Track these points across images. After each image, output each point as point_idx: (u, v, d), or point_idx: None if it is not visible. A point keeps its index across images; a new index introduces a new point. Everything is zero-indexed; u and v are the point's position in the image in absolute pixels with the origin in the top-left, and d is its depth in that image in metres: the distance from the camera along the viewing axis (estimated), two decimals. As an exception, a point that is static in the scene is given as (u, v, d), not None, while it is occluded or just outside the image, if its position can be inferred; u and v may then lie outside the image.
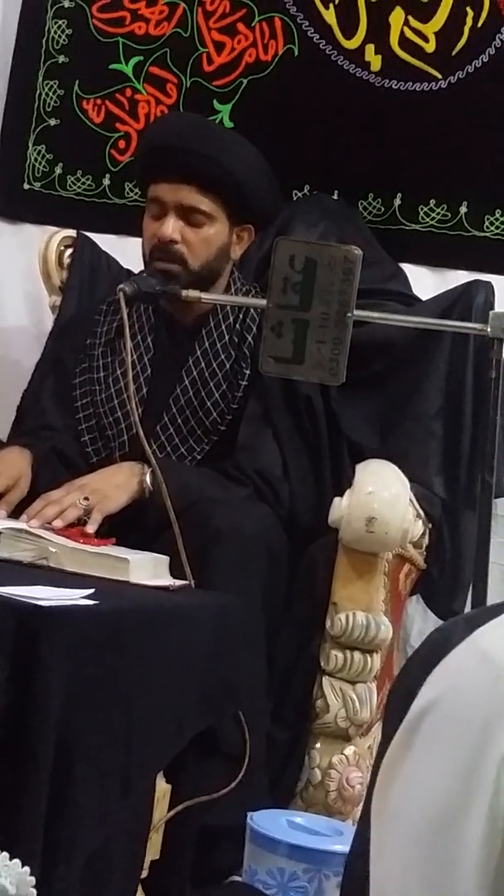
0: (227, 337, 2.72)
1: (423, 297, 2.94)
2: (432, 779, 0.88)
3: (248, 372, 2.68)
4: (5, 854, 1.46)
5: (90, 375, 2.78)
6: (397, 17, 3.09)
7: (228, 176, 2.67)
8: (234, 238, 2.74)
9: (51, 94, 3.43)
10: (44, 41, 3.44)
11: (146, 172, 2.79)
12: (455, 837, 0.85)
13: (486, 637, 0.91)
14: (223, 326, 2.72)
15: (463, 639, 0.93)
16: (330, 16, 3.16)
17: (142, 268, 2.75)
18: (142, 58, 3.34)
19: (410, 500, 2.52)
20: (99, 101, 3.38)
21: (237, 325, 2.73)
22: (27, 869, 1.45)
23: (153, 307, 2.75)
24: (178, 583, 2.26)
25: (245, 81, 3.24)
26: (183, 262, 2.66)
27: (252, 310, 2.71)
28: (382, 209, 3.10)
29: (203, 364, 2.70)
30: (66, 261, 3.10)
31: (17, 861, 1.45)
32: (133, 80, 3.35)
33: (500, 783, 0.84)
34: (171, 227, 2.67)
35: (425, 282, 3.03)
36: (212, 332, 2.72)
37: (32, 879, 1.46)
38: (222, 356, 2.70)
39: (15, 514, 2.51)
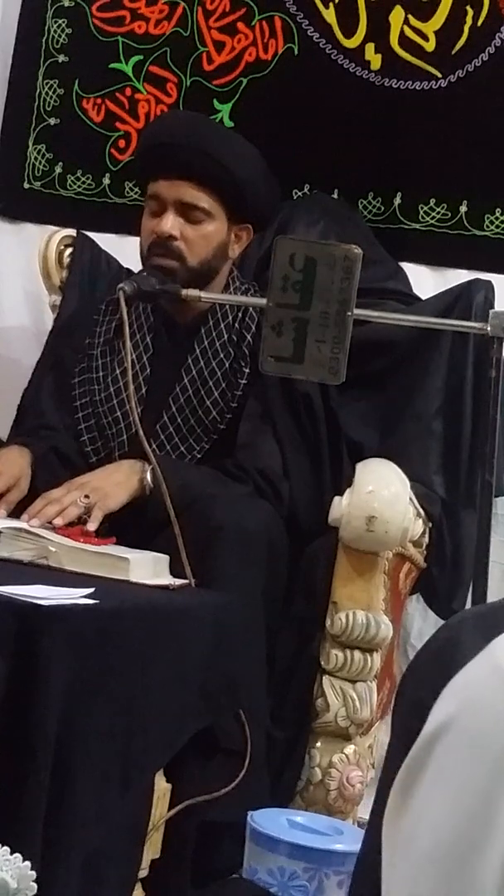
0: (225, 336, 2.71)
1: (423, 296, 2.94)
2: (447, 805, 0.85)
3: (247, 371, 2.68)
4: (6, 848, 1.46)
5: (89, 375, 2.78)
6: (397, 16, 3.09)
7: (227, 174, 2.67)
8: (233, 237, 2.74)
9: (51, 93, 3.43)
10: (44, 40, 3.44)
11: (145, 170, 2.79)
12: (472, 867, 0.82)
13: (502, 651, 0.89)
14: (222, 325, 2.72)
15: (473, 642, 0.91)
16: (330, 15, 3.16)
17: (142, 267, 2.75)
18: (142, 57, 3.34)
19: (410, 498, 2.52)
20: (99, 101, 3.38)
21: (236, 325, 2.73)
22: (28, 864, 1.46)
23: (152, 307, 2.75)
24: (179, 582, 2.26)
25: (245, 81, 3.24)
26: (181, 258, 2.66)
27: (251, 309, 2.71)
28: (382, 208, 3.10)
29: (202, 363, 2.70)
30: (66, 260, 3.10)
31: (17, 855, 1.46)
32: (133, 79, 3.35)
33: None
34: (170, 223, 2.67)
35: (425, 281, 3.03)
36: (210, 332, 2.72)
37: (33, 874, 1.46)
38: (221, 355, 2.70)
39: (15, 513, 2.51)
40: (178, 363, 2.71)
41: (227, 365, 2.70)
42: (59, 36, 3.43)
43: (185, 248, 2.67)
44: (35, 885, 1.46)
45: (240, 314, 2.73)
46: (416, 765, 0.89)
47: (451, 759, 0.86)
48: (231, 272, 2.78)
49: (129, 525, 2.45)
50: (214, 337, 2.71)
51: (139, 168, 2.92)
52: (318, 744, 2.49)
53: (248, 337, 2.70)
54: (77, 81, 3.41)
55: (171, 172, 2.68)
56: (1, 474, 2.57)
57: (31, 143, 3.45)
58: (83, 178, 3.39)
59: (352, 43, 3.14)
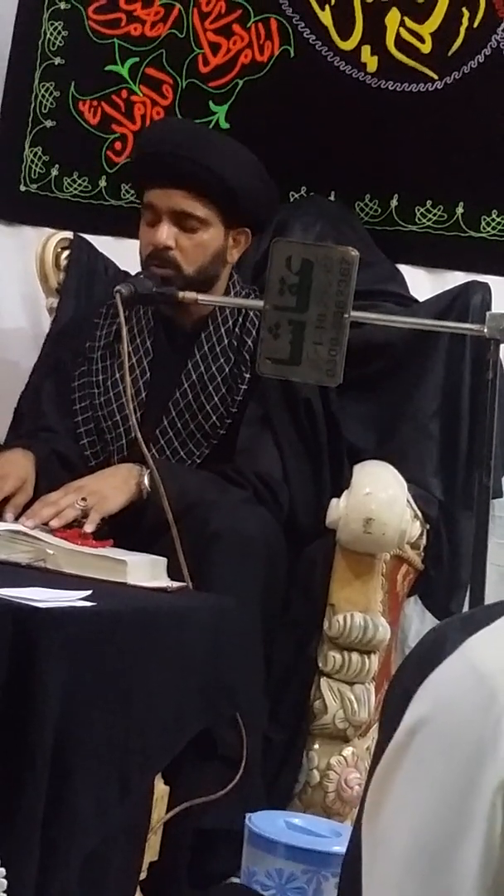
0: (226, 340, 2.71)
1: (421, 298, 2.94)
2: (424, 803, 0.87)
3: (247, 375, 2.68)
4: None
5: (89, 379, 2.78)
6: (393, 18, 3.09)
7: (220, 181, 2.66)
8: (231, 242, 2.73)
9: (47, 95, 3.43)
10: (40, 43, 3.44)
11: (140, 179, 2.79)
12: (450, 865, 0.84)
13: (476, 649, 0.90)
14: (222, 330, 2.72)
15: (456, 642, 0.92)
16: (326, 17, 3.16)
17: (139, 270, 2.74)
18: (138, 59, 3.34)
19: (408, 501, 2.52)
20: (95, 103, 3.38)
21: (236, 329, 2.72)
22: None
23: (153, 311, 2.74)
24: (176, 584, 2.26)
25: (241, 83, 3.24)
26: (177, 267, 2.66)
27: (251, 313, 2.71)
28: (379, 210, 3.10)
29: (202, 368, 2.70)
30: (63, 263, 3.10)
31: None
32: (129, 81, 3.35)
33: (496, 811, 0.82)
34: (165, 233, 2.66)
35: (422, 283, 3.03)
36: (211, 336, 2.72)
37: (2, 871, 1.46)
38: (221, 360, 2.70)
39: (17, 516, 2.51)
40: (179, 368, 2.71)
41: (227, 370, 2.70)
42: (56, 38, 3.43)
43: (180, 257, 2.67)
44: (5, 882, 1.46)
45: (240, 318, 2.73)
46: (392, 762, 0.91)
47: (426, 756, 0.88)
48: (231, 277, 2.78)
49: (128, 529, 2.45)
50: (215, 342, 2.71)
51: (134, 177, 2.92)
52: (316, 746, 2.49)
53: (249, 342, 2.69)
54: (73, 84, 3.41)
55: (165, 181, 2.67)
56: (7, 477, 2.55)
57: (27, 146, 3.45)
58: (79, 181, 3.39)
59: (348, 45, 3.14)
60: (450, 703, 0.88)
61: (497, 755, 0.83)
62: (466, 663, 0.89)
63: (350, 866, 1.01)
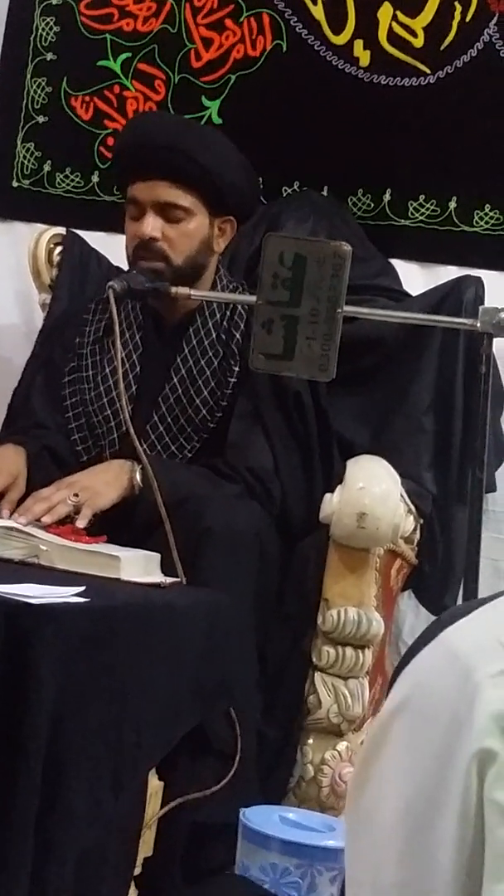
0: (214, 334, 2.71)
1: (413, 293, 2.94)
2: (405, 779, 0.89)
3: (236, 369, 2.68)
4: None
5: (79, 374, 2.77)
6: (385, 12, 3.10)
7: (202, 169, 2.66)
8: (216, 231, 2.73)
9: (39, 91, 3.43)
10: (32, 38, 3.44)
11: (122, 175, 2.79)
12: (429, 836, 0.86)
13: (453, 634, 0.93)
14: (210, 324, 2.72)
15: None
16: (318, 11, 3.16)
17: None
18: (130, 54, 3.34)
19: (401, 495, 2.53)
20: (87, 98, 3.38)
21: (224, 323, 2.72)
22: None
23: (141, 305, 2.74)
24: (170, 580, 2.26)
25: (233, 77, 3.24)
26: (165, 258, 2.66)
27: (239, 307, 2.71)
28: (372, 205, 3.10)
29: (191, 362, 2.70)
30: (56, 258, 3.09)
31: None
32: (121, 76, 3.35)
33: (470, 780, 0.84)
34: (150, 225, 2.66)
35: (415, 277, 3.03)
36: (199, 330, 2.71)
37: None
38: (210, 353, 2.70)
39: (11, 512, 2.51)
40: (168, 362, 2.71)
41: (215, 363, 2.70)
42: (47, 34, 3.43)
43: (167, 247, 2.67)
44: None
45: (228, 312, 2.73)
46: (374, 743, 0.94)
47: (407, 734, 0.91)
48: (218, 270, 2.78)
49: (121, 525, 2.45)
50: (203, 335, 2.71)
51: (116, 174, 2.92)
52: (311, 740, 2.50)
53: (237, 335, 2.69)
54: (65, 79, 3.41)
55: (146, 173, 2.67)
56: (0, 473, 2.56)
57: (19, 142, 3.44)
58: (72, 176, 3.39)
59: (340, 39, 3.14)
60: (428, 683, 0.91)
61: (472, 726, 0.85)
62: (443, 647, 0.92)
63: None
